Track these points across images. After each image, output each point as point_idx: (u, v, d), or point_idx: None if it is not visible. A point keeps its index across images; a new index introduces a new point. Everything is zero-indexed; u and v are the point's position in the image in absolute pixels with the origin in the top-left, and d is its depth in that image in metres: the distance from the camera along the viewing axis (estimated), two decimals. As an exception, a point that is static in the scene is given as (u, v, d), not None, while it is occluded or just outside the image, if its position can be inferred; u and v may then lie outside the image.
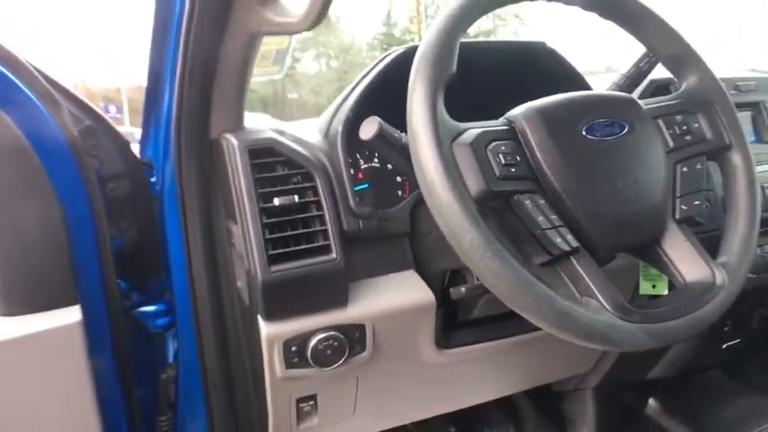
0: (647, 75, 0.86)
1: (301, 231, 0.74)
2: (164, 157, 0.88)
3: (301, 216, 0.75)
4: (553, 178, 0.61)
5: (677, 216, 0.67)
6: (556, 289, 0.60)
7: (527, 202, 0.59)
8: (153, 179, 0.95)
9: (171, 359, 1.00)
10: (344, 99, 0.84)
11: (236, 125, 0.84)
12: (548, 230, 0.59)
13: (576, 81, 0.94)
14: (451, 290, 0.78)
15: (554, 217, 0.60)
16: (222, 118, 0.83)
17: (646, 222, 0.65)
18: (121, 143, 0.90)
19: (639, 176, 0.64)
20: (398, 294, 0.79)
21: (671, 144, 0.69)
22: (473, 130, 0.61)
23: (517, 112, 0.64)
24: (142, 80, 0.94)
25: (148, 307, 0.96)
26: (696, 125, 0.71)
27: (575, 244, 0.60)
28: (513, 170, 0.60)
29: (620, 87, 0.85)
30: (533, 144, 0.62)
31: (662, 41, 0.74)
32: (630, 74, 0.86)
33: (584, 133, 0.63)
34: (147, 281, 0.98)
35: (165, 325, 0.96)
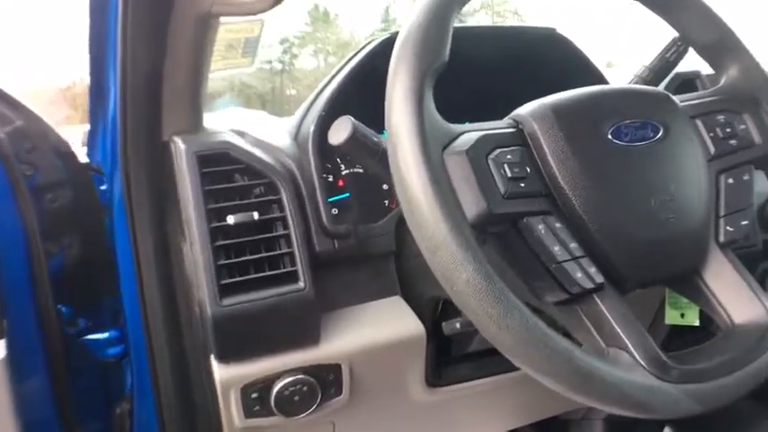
0: (675, 66, 0.72)
1: (263, 255, 0.60)
2: (112, 161, 0.75)
3: (263, 237, 0.61)
4: (572, 195, 0.47)
5: (721, 239, 0.53)
6: (575, 332, 0.47)
7: (540, 226, 0.46)
8: (103, 187, 0.81)
9: (128, 391, 0.87)
10: (318, 95, 0.70)
11: (193, 125, 0.70)
12: (565, 263, 0.46)
13: (592, 74, 0.80)
14: (444, 324, 0.64)
15: (573, 245, 0.46)
16: (175, 117, 0.68)
17: (684, 249, 0.51)
18: (62, 147, 0.76)
19: (677, 191, 0.51)
20: (382, 326, 0.66)
21: (712, 150, 0.55)
22: (471, 133, 0.47)
23: (526, 110, 0.50)
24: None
25: (99, 334, 0.82)
26: (742, 127, 0.57)
27: (599, 280, 0.46)
28: (523, 185, 0.46)
29: (643, 81, 0.72)
30: (547, 151, 0.48)
31: (698, 26, 0.60)
32: (655, 65, 0.72)
33: (609, 137, 0.50)
34: (98, 304, 0.84)
35: (118, 354, 0.82)
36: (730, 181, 0.55)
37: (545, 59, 0.76)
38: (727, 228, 0.53)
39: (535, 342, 0.41)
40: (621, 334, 0.45)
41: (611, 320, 0.46)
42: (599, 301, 0.46)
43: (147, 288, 0.73)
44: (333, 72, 0.71)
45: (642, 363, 0.44)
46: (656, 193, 0.50)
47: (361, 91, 0.65)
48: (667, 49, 0.71)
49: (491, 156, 0.46)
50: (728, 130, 0.56)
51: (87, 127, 0.82)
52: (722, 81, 0.61)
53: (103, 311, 0.84)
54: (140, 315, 0.74)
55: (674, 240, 0.50)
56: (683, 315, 0.71)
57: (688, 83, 0.83)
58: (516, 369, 0.75)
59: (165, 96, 0.67)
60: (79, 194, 0.78)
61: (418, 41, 0.45)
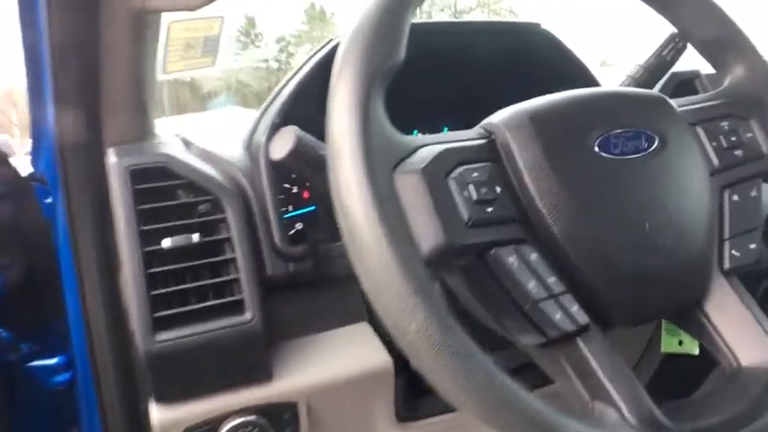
0: (672, 65, 0.65)
1: (205, 283, 0.52)
2: (54, 172, 0.67)
3: (205, 262, 0.53)
4: (551, 220, 0.39)
5: (726, 266, 0.46)
6: (555, 379, 0.39)
7: (511, 258, 0.38)
8: (49, 200, 0.73)
9: (78, 420, 0.79)
10: (272, 100, 0.62)
11: (139, 133, 0.62)
12: (542, 302, 0.38)
13: (580, 74, 0.72)
14: None
15: (552, 280, 0.39)
16: (117, 124, 0.61)
17: (684, 279, 0.44)
18: (-2, 156, 0.68)
19: (676, 212, 0.43)
20: (344, 358, 0.58)
21: (716, 162, 0.48)
22: (430, 147, 0.39)
23: (498, 118, 0.42)
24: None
25: (46, 360, 0.75)
26: (749, 135, 0.50)
27: (583, 320, 0.39)
28: (491, 210, 0.38)
29: (637, 82, 0.64)
30: (522, 167, 0.40)
31: (698, 20, 0.52)
32: (650, 65, 0.65)
33: (596, 150, 0.42)
34: (45, 328, 0.76)
35: (66, 381, 0.75)
36: (735, 198, 0.47)
37: (529, 57, 0.68)
38: (733, 252, 0.46)
39: (501, 405, 0.33)
40: (608, 385, 0.38)
41: (597, 369, 0.38)
42: (582, 346, 0.39)
43: (92, 311, 0.65)
44: (289, 75, 0.63)
45: (631, 421, 0.37)
46: (651, 214, 0.42)
47: (320, 95, 0.58)
48: (664, 46, 0.64)
49: (453, 174, 0.38)
50: (733, 138, 0.49)
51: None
52: (725, 82, 0.53)
53: (51, 335, 0.77)
54: (86, 340, 0.67)
55: (671, 270, 0.42)
56: (680, 342, 0.64)
57: (686, 84, 0.75)
58: None
59: (103, 101, 0.60)
60: (20, 208, 0.70)
61: (367, 39, 0.38)
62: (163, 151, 0.56)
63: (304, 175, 0.45)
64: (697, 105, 0.50)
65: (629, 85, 0.65)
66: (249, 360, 0.54)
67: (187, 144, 0.60)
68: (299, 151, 0.43)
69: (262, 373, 0.55)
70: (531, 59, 0.68)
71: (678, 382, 0.73)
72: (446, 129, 0.68)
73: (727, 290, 0.45)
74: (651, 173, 0.43)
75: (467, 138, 0.41)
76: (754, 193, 0.48)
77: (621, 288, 0.41)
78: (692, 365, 0.68)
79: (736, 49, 0.52)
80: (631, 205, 0.41)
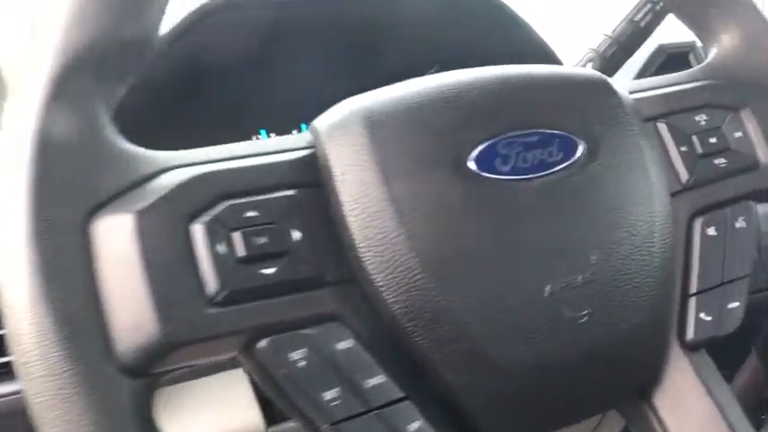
0: (648, 35, 0.48)
1: None
2: None
3: None
4: (384, 283, 0.24)
5: (689, 336, 0.30)
6: None
7: (295, 353, 0.22)
8: None
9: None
10: None
11: None
12: (353, 421, 0.23)
13: (536, 53, 0.54)
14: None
15: (378, 381, 0.23)
16: None
17: (616, 363, 0.28)
18: None
19: (603, 263, 0.27)
20: (202, 415, 0.44)
21: (683, 176, 0.31)
22: (184, 170, 0.23)
23: (325, 121, 0.26)
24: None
25: None
26: (737, 135, 0.33)
27: None
28: (273, 271, 0.23)
29: (603, 59, 0.47)
30: (342, 198, 0.24)
31: None
32: (620, 34, 0.47)
33: (472, 167, 0.26)
34: None
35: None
36: (711, 231, 0.31)
37: (464, 28, 0.51)
38: (701, 316, 0.30)
39: None
40: None
41: None
42: None
43: None
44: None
45: None
46: (556, 271, 0.26)
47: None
48: (637, 9, 0.46)
49: (206, 215, 0.22)
50: (713, 139, 0.32)
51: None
52: (710, 56, 0.36)
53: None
54: None
55: (592, 356, 0.27)
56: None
57: (677, 60, 0.57)
58: None
59: None
60: None
61: (68, 7, 0.22)
62: None
63: None
64: (661, 90, 0.33)
65: (591, 62, 0.48)
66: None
67: None
68: None
69: None
70: (468, 31, 0.51)
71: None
72: None
73: (688, 374, 0.29)
74: (564, 202, 0.27)
75: (273, 150, 0.26)
76: (740, 224, 0.32)
77: (503, 390, 0.25)
78: None
79: (726, 8, 0.35)
80: (523, 258, 0.25)
